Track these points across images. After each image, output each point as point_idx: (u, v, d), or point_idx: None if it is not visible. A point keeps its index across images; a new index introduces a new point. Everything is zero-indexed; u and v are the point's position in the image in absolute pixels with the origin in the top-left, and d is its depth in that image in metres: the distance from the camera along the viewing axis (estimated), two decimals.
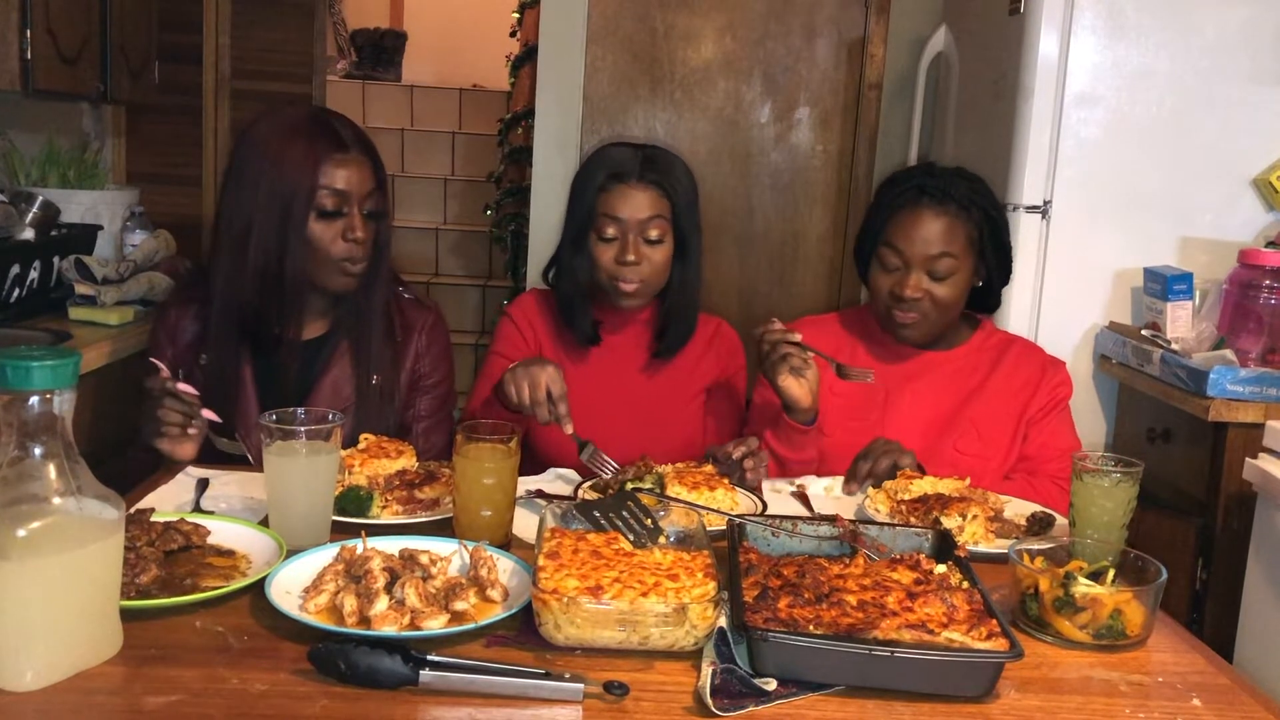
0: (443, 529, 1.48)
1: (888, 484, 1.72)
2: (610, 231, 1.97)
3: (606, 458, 1.76)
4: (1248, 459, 2.10)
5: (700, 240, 2.06)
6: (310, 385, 1.92)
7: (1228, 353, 2.33)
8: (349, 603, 1.19)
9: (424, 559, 1.29)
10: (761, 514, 1.60)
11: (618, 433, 1.94)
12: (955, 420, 1.99)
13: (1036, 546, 1.41)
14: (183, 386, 1.71)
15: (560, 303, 2.07)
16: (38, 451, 1.05)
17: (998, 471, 1.96)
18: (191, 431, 1.73)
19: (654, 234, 1.98)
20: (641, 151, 2.02)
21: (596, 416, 1.92)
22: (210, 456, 1.78)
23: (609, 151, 2.04)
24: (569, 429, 1.73)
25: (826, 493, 1.81)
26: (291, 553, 1.33)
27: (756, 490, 1.76)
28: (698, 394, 2.12)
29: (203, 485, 1.65)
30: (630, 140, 2.13)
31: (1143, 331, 2.54)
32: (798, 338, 1.84)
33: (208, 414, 1.72)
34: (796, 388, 1.84)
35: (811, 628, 1.17)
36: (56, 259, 2.63)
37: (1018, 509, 1.72)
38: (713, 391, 2.14)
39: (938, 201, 1.92)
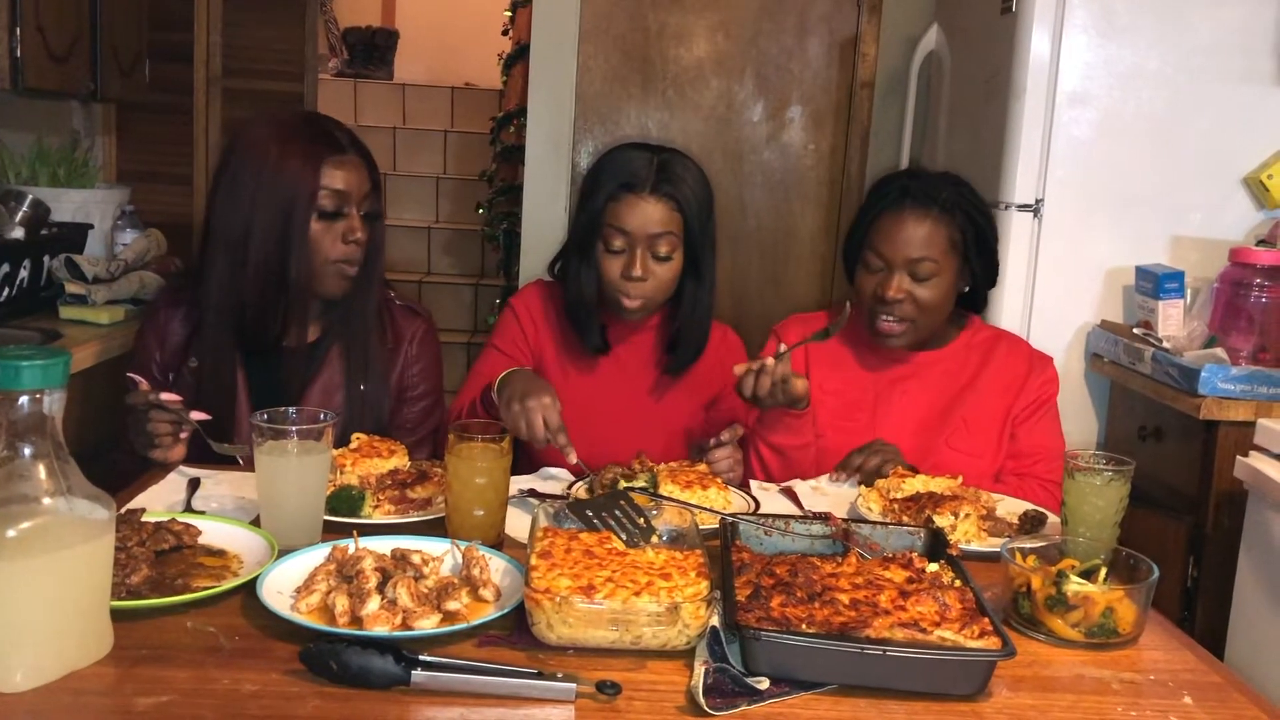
0: (435, 529, 1.48)
1: (880, 482, 1.72)
2: (617, 243, 1.92)
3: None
4: (1239, 457, 2.11)
5: (714, 256, 2.00)
6: (302, 390, 1.92)
7: (1219, 351, 2.33)
8: (341, 603, 1.19)
9: (416, 559, 1.28)
10: (754, 513, 1.60)
11: (621, 439, 1.93)
12: (947, 418, 1.99)
13: (1029, 545, 1.41)
14: (166, 396, 1.70)
15: (568, 310, 2.03)
16: (27, 451, 1.04)
17: (990, 469, 1.96)
18: (183, 436, 1.73)
19: (663, 250, 1.92)
20: (656, 158, 1.94)
21: (600, 424, 1.92)
22: (203, 456, 1.77)
23: (622, 156, 1.97)
24: (573, 459, 1.68)
25: (815, 491, 1.81)
26: (283, 552, 1.33)
27: (744, 487, 1.76)
28: (701, 403, 2.11)
29: (194, 485, 1.65)
30: (646, 142, 2.05)
31: (1134, 330, 2.55)
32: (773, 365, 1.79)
33: (197, 415, 1.71)
34: (799, 385, 1.83)
35: (804, 627, 1.17)
36: (47, 258, 2.62)
37: (1010, 507, 1.72)
38: (717, 400, 2.12)
39: (920, 204, 1.91)
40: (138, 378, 1.74)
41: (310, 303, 1.90)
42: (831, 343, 2.05)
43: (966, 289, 2.01)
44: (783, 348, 1.80)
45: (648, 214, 1.91)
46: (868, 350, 2.05)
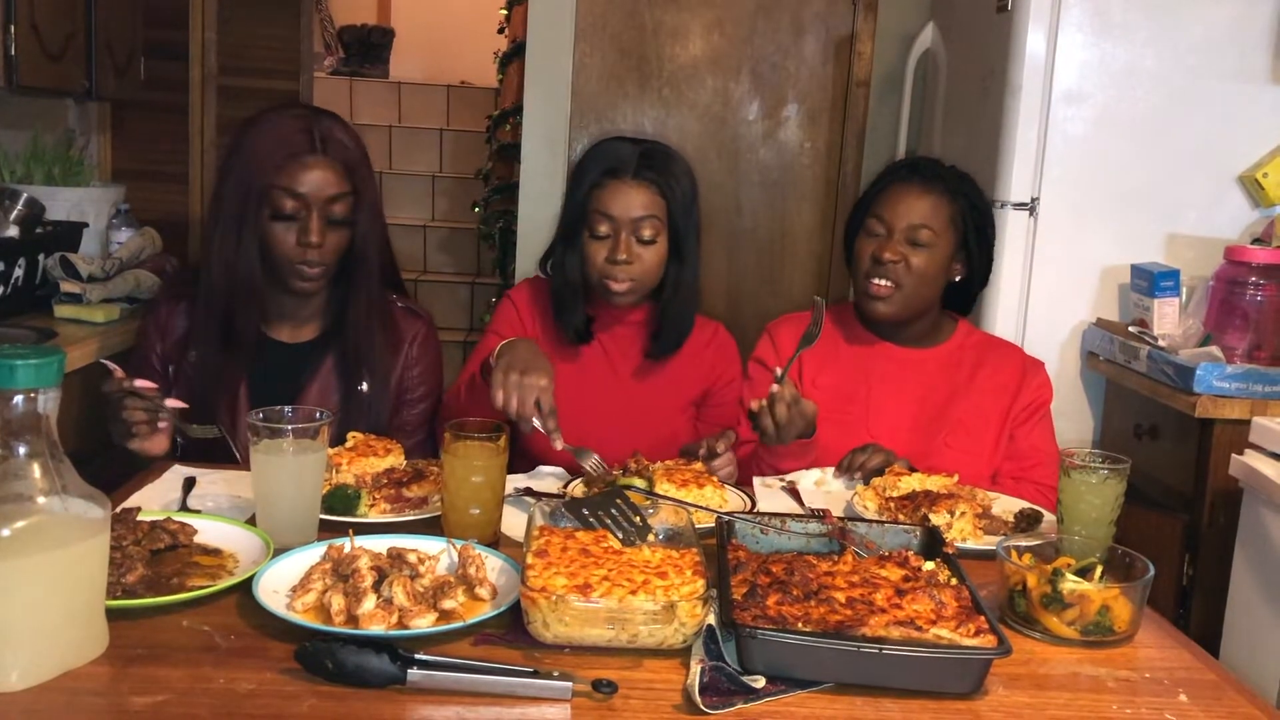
0: (431, 527, 1.48)
1: (876, 481, 1.73)
2: (603, 229, 1.95)
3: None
4: (1234, 455, 2.11)
5: (698, 242, 2.02)
6: (298, 390, 1.92)
7: (1214, 349, 2.34)
8: (336, 601, 1.18)
9: (412, 557, 1.28)
10: (750, 511, 1.60)
11: (605, 434, 1.92)
12: (944, 418, 2.00)
13: (1024, 543, 1.41)
14: (140, 383, 1.68)
15: (553, 297, 2.05)
16: (22, 451, 1.04)
17: (986, 469, 1.97)
18: (161, 425, 1.70)
19: (647, 234, 1.95)
20: (640, 148, 1.98)
21: (583, 416, 1.91)
22: (192, 453, 1.77)
23: (606, 146, 2.00)
24: (559, 444, 1.67)
25: (817, 485, 1.81)
26: (279, 551, 1.33)
27: (746, 484, 1.76)
28: (689, 400, 2.11)
29: (189, 484, 1.64)
30: (630, 135, 2.08)
31: (1130, 328, 2.55)
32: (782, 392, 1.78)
33: (172, 402, 1.70)
34: (809, 406, 1.82)
35: (800, 625, 1.17)
36: (42, 257, 2.62)
37: (1006, 506, 1.72)
38: (703, 399, 2.12)
39: (926, 179, 1.99)
40: (112, 365, 1.71)
41: (285, 301, 1.90)
42: (822, 339, 2.05)
43: (958, 279, 2.03)
44: (778, 371, 1.79)
45: (631, 198, 1.94)
46: (861, 344, 2.06)
